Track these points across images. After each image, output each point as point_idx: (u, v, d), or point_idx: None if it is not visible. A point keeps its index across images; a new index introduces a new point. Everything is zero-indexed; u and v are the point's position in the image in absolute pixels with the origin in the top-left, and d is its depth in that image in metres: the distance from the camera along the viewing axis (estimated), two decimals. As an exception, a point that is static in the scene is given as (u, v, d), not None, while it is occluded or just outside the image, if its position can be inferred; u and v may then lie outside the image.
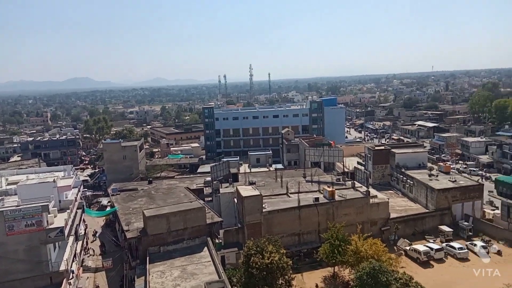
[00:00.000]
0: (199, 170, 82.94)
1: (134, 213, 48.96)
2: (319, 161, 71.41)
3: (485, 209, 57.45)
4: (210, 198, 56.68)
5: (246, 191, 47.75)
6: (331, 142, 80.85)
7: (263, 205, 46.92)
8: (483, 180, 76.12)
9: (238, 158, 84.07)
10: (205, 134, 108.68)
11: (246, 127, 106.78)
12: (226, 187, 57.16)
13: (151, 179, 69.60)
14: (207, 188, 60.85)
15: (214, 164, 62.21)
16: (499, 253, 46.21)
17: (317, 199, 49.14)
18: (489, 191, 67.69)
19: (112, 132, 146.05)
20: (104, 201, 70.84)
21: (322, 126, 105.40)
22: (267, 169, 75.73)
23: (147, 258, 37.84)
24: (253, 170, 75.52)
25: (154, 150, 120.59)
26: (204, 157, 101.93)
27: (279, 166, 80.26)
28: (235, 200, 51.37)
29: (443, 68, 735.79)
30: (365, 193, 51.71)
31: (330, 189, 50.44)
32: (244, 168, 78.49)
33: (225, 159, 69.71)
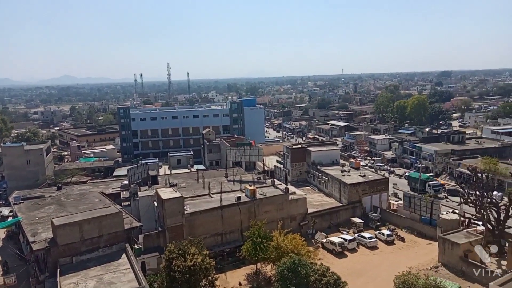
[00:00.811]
0: (115, 173, 78.75)
1: (41, 223, 44.71)
2: (241, 161, 72.18)
3: (390, 201, 63.07)
4: (128, 203, 54.01)
5: (167, 193, 46.41)
6: (252, 141, 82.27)
7: (185, 207, 46.02)
8: (388, 174, 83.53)
9: (157, 160, 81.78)
10: (120, 135, 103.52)
11: (165, 128, 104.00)
12: (145, 190, 54.99)
13: (60, 184, 64.22)
14: (124, 192, 57.91)
15: (132, 166, 59.47)
16: (402, 239, 51.03)
17: (239, 198, 49.57)
18: (393, 184, 74.49)
19: (13, 135, 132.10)
20: (5, 211, 63.56)
21: (243, 126, 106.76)
22: (189, 170, 74.60)
23: (58, 270, 34.78)
24: (173, 171, 73.79)
25: (63, 153, 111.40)
26: (120, 159, 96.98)
27: (201, 166, 79.55)
28: (155, 203, 49.69)
29: (352, 71, 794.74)
30: (284, 190, 53.45)
31: (252, 187, 51.22)
32: (164, 170, 76.48)
33: (143, 161, 67.11)
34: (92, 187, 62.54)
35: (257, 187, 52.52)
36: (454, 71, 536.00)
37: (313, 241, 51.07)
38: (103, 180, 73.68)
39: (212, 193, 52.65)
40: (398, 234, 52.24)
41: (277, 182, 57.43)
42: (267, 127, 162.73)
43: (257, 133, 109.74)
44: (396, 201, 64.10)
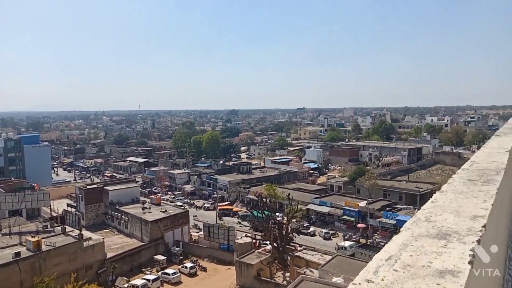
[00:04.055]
0: None
1: None
2: (20, 208, 61.21)
3: (192, 233, 64.77)
4: None
5: None
6: (35, 184, 71.31)
7: None
8: (189, 206, 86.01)
9: None
10: None
11: None
12: None
13: None
14: None
15: None
16: (204, 269, 52.77)
17: (18, 253, 41.50)
18: (194, 216, 77.06)
19: None
20: None
21: (23, 167, 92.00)
22: None
23: None
24: None
25: None
26: None
27: (-39, 221, 63.24)
28: None
29: (149, 108, 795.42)
30: (77, 236, 47.94)
31: (35, 239, 43.85)
32: None
33: None
34: None
35: (42, 238, 45.36)
36: (240, 110, 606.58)
37: (113, 288, 47.11)
38: None
39: (-21, 253, 42.38)
40: (200, 264, 53.79)
41: (68, 228, 51.13)
42: (55, 167, 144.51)
43: (42, 174, 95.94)
44: (197, 232, 66.25)
